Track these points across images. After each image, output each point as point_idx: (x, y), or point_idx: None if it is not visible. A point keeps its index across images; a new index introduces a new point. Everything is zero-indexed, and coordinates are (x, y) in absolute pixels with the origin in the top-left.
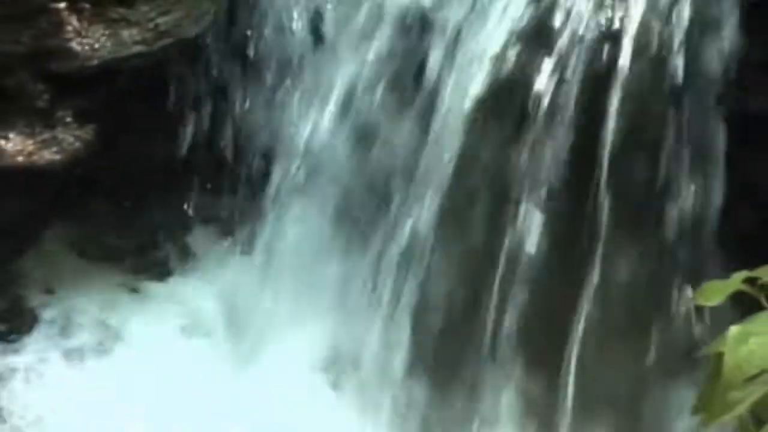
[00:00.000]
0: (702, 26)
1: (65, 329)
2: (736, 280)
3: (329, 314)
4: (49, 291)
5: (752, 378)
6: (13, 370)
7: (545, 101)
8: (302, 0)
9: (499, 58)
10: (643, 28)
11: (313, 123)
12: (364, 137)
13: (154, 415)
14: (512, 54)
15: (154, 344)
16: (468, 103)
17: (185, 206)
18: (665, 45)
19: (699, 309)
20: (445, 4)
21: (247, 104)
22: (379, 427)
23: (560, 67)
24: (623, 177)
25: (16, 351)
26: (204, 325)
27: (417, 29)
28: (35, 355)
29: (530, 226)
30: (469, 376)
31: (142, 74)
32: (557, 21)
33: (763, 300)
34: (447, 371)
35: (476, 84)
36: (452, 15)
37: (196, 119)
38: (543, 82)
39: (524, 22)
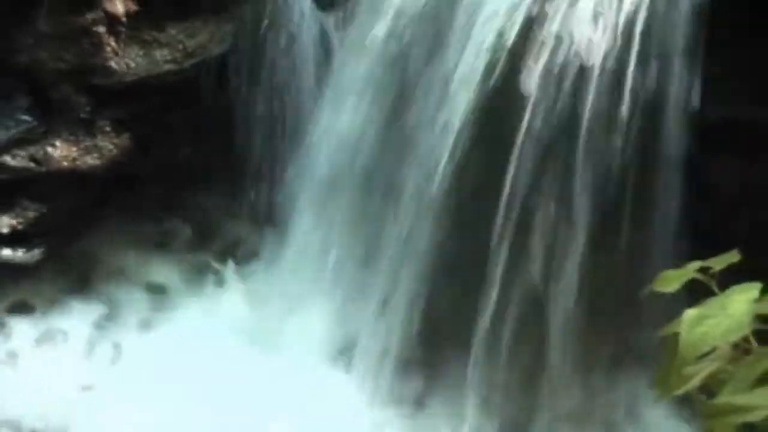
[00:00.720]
0: (662, 46)
1: (108, 315)
2: (691, 270)
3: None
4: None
5: (705, 356)
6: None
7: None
8: (311, 23)
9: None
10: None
11: (324, 130)
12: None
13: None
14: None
15: (186, 326)
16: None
17: (212, 204)
18: (630, 63)
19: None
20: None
21: (267, 113)
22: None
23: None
24: (598, 176)
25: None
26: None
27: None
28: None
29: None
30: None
31: (172, 88)
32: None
33: (714, 287)
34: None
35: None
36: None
37: (221, 127)
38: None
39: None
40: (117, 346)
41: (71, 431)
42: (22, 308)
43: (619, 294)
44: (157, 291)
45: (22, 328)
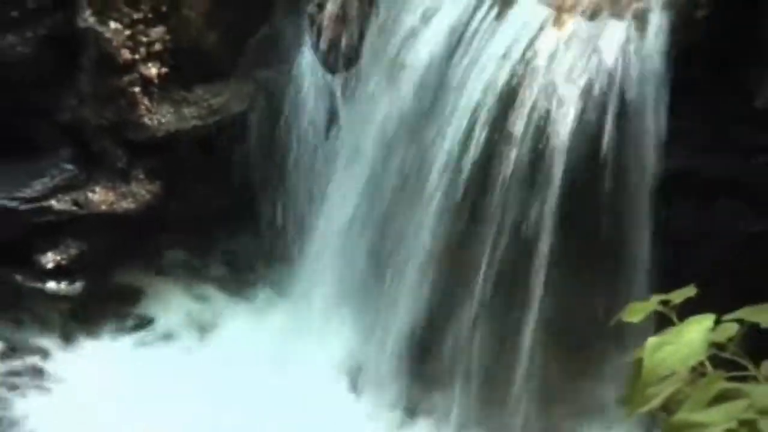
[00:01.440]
0: (632, 105)
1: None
2: (654, 302)
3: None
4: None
5: (665, 378)
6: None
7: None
8: (321, 85)
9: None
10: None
11: (336, 178)
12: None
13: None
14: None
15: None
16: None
17: (234, 244)
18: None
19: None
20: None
21: (282, 164)
22: None
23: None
24: (574, 214)
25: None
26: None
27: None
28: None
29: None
30: None
31: (199, 141)
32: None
33: (674, 317)
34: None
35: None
36: None
37: (245, 175)
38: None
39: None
40: (149, 364)
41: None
42: (65, 336)
43: (592, 320)
44: (173, 320)
45: (65, 355)
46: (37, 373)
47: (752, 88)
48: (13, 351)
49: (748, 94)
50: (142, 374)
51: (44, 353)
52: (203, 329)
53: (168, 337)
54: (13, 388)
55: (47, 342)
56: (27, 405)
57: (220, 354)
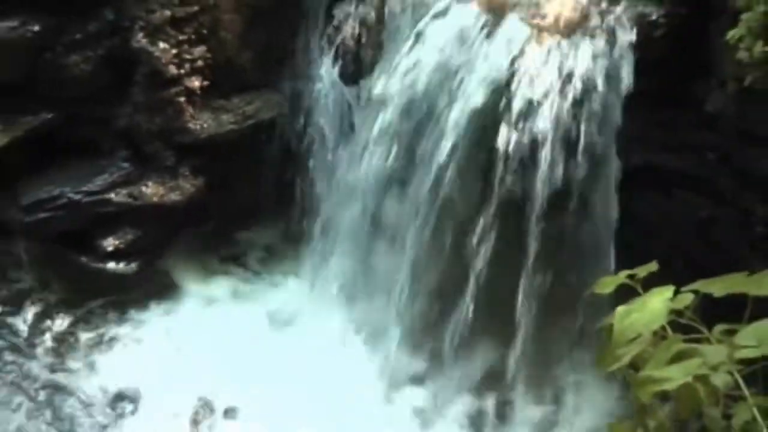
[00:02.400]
0: (602, 110)
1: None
2: (621, 276)
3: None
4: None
5: (632, 341)
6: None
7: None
8: (338, 95)
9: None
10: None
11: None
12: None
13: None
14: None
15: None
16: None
17: (262, 231)
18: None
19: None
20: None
21: (306, 161)
22: None
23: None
24: (556, 201)
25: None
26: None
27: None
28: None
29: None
30: None
31: (235, 143)
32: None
33: (639, 289)
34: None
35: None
36: None
37: (273, 172)
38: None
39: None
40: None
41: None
42: (119, 306)
43: (569, 292)
44: (222, 293)
45: (119, 321)
46: (97, 341)
47: (702, 97)
48: (79, 318)
49: (699, 101)
50: (183, 335)
51: (103, 321)
52: (237, 299)
53: (207, 305)
54: (81, 346)
55: (106, 311)
56: (94, 358)
57: (250, 317)
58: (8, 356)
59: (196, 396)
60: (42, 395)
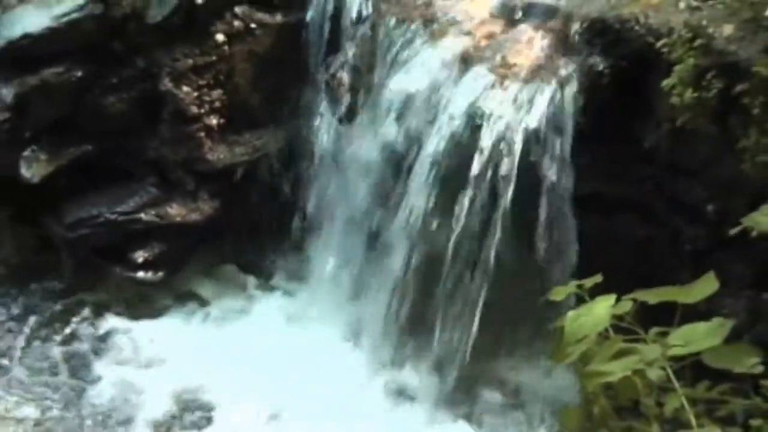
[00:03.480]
0: (557, 147)
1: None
2: (572, 286)
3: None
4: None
5: (580, 340)
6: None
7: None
8: (333, 132)
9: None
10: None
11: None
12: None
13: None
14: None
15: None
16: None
17: (269, 244)
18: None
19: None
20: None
21: (306, 187)
22: None
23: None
24: (520, 223)
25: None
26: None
27: None
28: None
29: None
30: None
31: (247, 171)
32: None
33: (586, 297)
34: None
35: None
36: None
37: (279, 195)
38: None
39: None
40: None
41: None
42: (148, 310)
43: (530, 295)
44: (230, 303)
45: (148, 323)
46: (128, 333)
47: (640, 135)
48: (111, 319)
49: (638, 139)
50: (204, 335)
51: (134, 321)
52: (242, 304)
53: (224, 308)
54: (112, 346)
55: (136, 313)
56: (123, 367)
57: (263, 319)
58: (49, 350)
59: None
60: (85, 384)
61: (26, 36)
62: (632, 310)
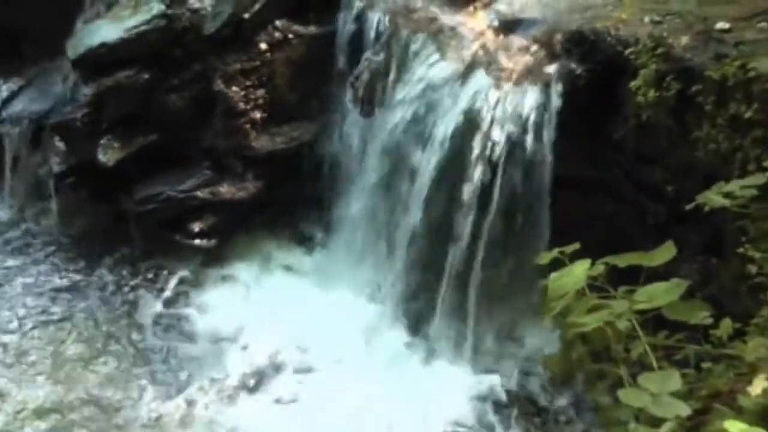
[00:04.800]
0: (542, 137)
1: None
2: (555, 252)
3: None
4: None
5: (561, 297)
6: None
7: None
8: (357, 124)
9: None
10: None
11: (363, 179)
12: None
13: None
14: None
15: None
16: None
17: (303, 219)
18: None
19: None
20: None
21: (335, 170)
22: None
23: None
24: (508, 201)
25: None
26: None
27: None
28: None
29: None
30: None
31: (285, 156)
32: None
33: (566, 261)
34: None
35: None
36: None
37: (312, 176)
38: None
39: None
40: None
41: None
42: (203, 271)
43: (517, 262)
44: (270, 265)
45: (204, 281)
46: (188, 291)
47: (611, 128)
48: (174, 277)
49: (609, 131)
50: (249, 291)
51: (193, 279)
52: (280, 267)
53: (264, 270)
54: (176, 299)
55: (194, 273)
56: (182, 309)
57: (295, 280)
58: (123, 302)
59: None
60: (157, 329)
61: (103, 45)
62: (604, 272)
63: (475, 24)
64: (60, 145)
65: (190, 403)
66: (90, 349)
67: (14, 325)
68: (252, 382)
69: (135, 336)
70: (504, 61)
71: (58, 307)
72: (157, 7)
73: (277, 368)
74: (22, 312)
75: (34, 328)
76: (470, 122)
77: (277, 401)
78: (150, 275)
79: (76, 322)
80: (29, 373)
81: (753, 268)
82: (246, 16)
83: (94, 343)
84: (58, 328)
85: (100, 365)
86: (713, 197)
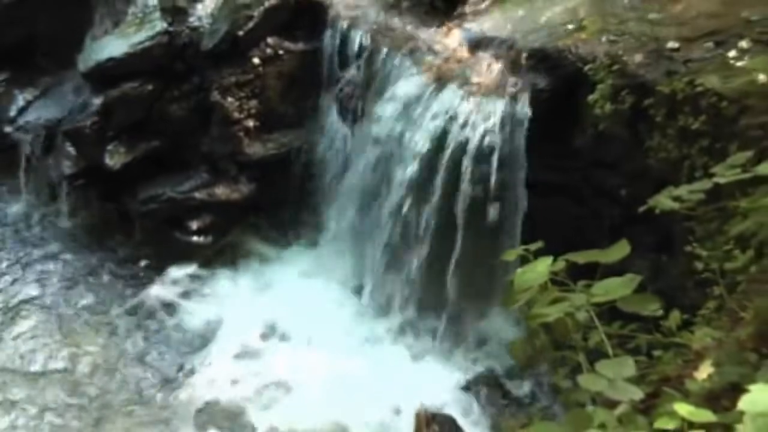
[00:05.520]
0: (510, 145)
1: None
2: (520, 249)
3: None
4: (232, 252)
5: (526, 290)
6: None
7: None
8: (340, 130)
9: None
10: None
11: (346, 182)
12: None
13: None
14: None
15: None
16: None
17: (291, 218)
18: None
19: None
20: None
21: (321, 174)
22: None
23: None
24: (480, 203)
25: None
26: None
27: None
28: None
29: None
30: None
31: (275, 161)
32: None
33: (531, 258)
34: None
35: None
36: None
37: (300, 178)
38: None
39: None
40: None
41: None
42: (202, 264)
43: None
44: (261, 259)
45: (201, 272)
46: (186, 281)
47: (572, 137)
48: (174, 270)
49: (570, 140)
50: (244, 281)
51: (191, 272)
52: (270, 262)
53: (259, 264)
54: (177, 295)
55: (192, 269)
56: (184, 303)
57: (286, 271)
58: (128, 292)
59: (260, 320)
60: (146, 319)
61: (110, 59)
62: (565, 268)
63: (449, 42)
64: (71, 150)
65: (189, 374)
66: (96, 330)
67: (29, 306)
68: (244, 357)
69: (138, 318)
70: (474, 76)
71: (68, 294)
72: (160, 25)
73: (265, 345)
74: (36, 295)
75: (46, 311)
76: (443, 132)
77: (263, 371)
78: (152, 267)
79: (85, 306)
80: (45, 349)
81: (699, 265)
82: (240, 33)
83: (101, 324)
84: (70, 311)
85: (98, 344)
86: (663, 201)
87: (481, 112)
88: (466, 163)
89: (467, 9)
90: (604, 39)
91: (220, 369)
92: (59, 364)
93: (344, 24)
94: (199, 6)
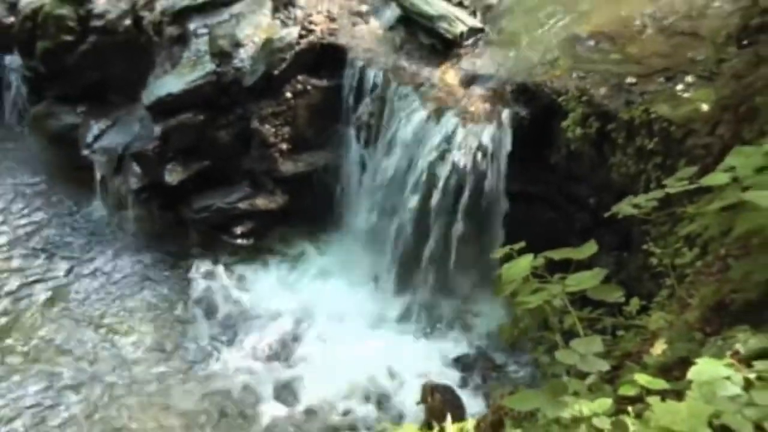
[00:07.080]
0: (497, 162)
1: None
2: (505, 249)
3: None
4: (269, 251)
5: (511, 281)
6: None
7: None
8: (358, 152)
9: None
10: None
11: (363, 194)
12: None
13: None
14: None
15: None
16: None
17: (319, 223)
18: (485, 170)
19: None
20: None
21: (343, 188)
22: None
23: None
24: (472, 211)
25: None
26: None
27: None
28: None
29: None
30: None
31: (304, 177)
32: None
33: (515, 255)
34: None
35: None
36: None
37: (325, 193)
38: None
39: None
40: (290, 274)
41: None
42: (245, 261)
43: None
44: (294, 258)
45: (246, 268)
46: (232, 276)
47: (548, 155)
48: (221, 266)
49: (547, 158)
50: (279, 275)
51: (236, 268)
52: (308, 258)
53: (291, 261)
54: (222, 281)
55: (236, 264)
56: (227, 289)
57: (314, 268)
58: (182, 284)
59: (291, 306)
60: (199, 304)
61: (169, 94)
62: (544, 263)
63: (447, 78)
64: (137, 169)
65: (231, 349)
66: (155, 315)
67: (102, 294)
68: (284, 338)
69: (191, 307)
70: (468, 106)
71: (134, 285)
72: (210, 66)
73: (299, 329)
74: (110, 284)
75: (117, 298)
76: (443, 152)
77: (294, 348)
78: (203, 265)
79: (145, 296)
80: (114, 330)
81: (654, 261)
82: (276, 72)
83: (159, 310)
84: (135, 299)
85: (161, 322)
86: (624, 207)
87: (474, 136)
88: (462, 176)
89: (462, 51)
90: (574, 75)
91: (258, 343)
92: (124, 342)
93: (360, 64)
94: (242, 50)
